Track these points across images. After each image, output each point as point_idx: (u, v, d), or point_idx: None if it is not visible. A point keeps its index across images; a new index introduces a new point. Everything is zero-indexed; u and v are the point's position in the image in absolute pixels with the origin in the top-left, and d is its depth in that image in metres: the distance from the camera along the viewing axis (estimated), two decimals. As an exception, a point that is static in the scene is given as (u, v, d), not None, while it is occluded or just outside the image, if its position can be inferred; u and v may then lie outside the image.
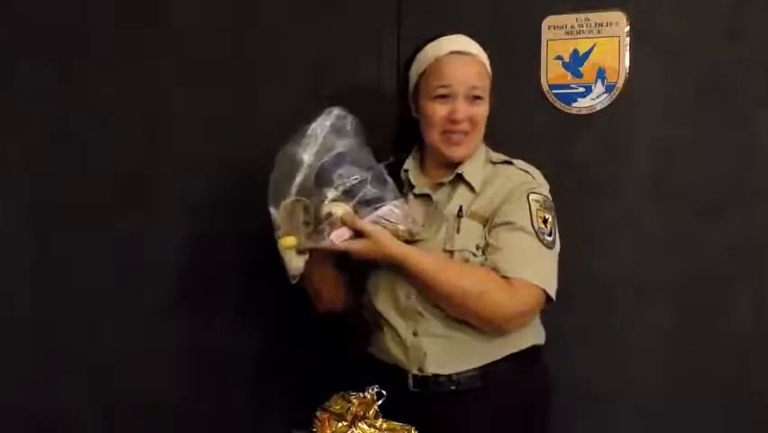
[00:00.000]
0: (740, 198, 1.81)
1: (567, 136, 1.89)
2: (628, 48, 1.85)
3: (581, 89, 1.88)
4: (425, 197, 1.62)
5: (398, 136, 1.83)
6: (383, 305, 1.58)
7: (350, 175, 1.46)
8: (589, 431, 1.86)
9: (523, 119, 1.89)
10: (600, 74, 1.87)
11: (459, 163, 1.60)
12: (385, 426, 1.34)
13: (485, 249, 1.52)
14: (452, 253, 1.52)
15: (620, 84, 1.86)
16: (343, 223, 1.45)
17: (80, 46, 2.05)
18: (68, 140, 2.05)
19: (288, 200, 1.47)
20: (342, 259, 1.57)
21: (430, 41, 1.60)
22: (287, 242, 1.46)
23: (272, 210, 1.48)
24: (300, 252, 1.47)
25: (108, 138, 2.04)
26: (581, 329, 1.85)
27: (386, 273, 1.56)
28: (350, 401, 1.34)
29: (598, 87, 1.87)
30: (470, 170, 1.59)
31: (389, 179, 1.52)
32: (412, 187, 1.64)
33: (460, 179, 1.59)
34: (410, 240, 1.53)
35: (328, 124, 1.50)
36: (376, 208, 1.47)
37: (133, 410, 2.04)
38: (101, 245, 2.05)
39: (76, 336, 2.06)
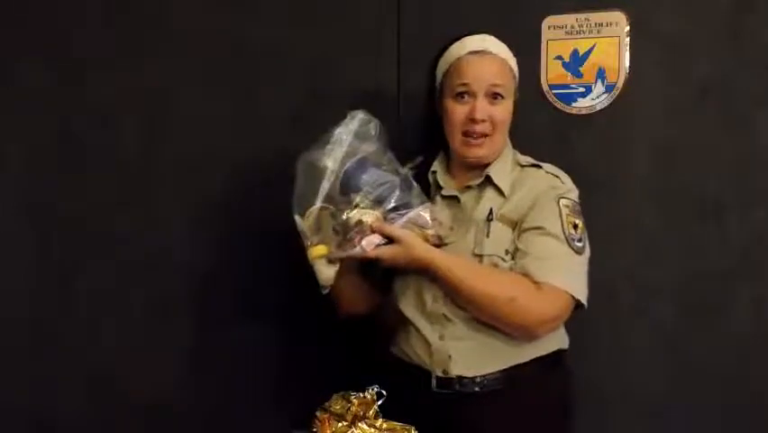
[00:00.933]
0: (740, 197, 1.81)
1: (567, 136, 1.89)
2: (628, 48, 1.85)
3: (581, 89, 1.88)
4: (453, 199, 1.61)
5: (399, 136, 1.82)
6: (409, 308, 1.57)
7: (375, 180, 1.45)
8: (590, 431, 1.85)
9: (523, 119, 1.88)
10: (600, 74, 1.87)
11: (485, 165, 1.58)
12: (385, 426, 1.34)
13: (514, 254, 1.51)
14: (481, 257, 1.51)
15: (620, 84, 1.86)
16: (373, 230, 1.44)
17: (80, 46, 2.05)
18: (68, 140, 2.05)
19: (315, 207, 1.45)
20: (367, 266, 1.56)
21: (456, 40, 1.60)
22: (318, 251, 1.45)
23: (297, 219, 1.47)
24: (331, 261, 1.46)
25: (108, 138, 2.04)
26: (583, 329, 1.85)
27: (413, 276, 1.56)
28: (350, 401, 1.34)
29: (598, 87, 1.87)
30: (499, 173, 1.58)
31: (415, 184, 1.51)
32: (440, 188, 1.63)
33: (488, 181, 1.58)
34: (438, 244, 1.52)
35: (353, 129, 1.49)
36: (403, 214, 1.46)
37: (133, 410, 2.04)
38: (101, 245, 2.05)
39: (76, 336, 2.06)
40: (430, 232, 1.49)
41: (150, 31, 2.04)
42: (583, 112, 1.88)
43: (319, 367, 1.95)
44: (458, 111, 1.55)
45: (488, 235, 1.52)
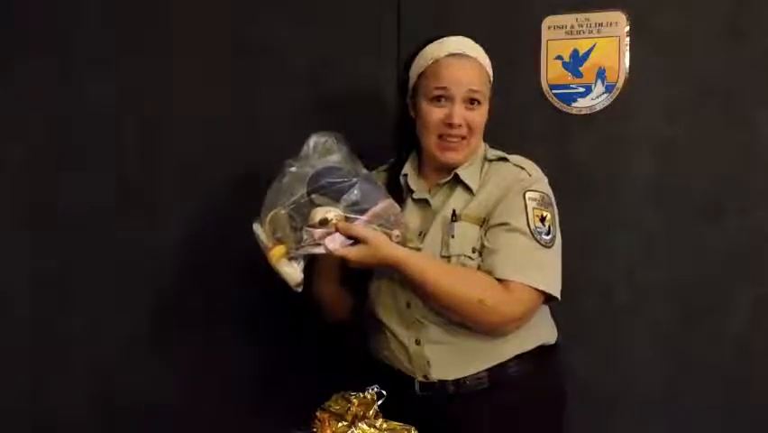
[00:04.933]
0: (740, 198, 1.81)
1: (567, 136, 1.89)
2: (628, 48, 1.85)
3: (581, 89, 1.88)
4: (424, 202, 1.60)
5: (399, 137, 1.83)
6: (384, 313, 1.57)
7: (336, 181, 1.43)
8: (590, 431, 1.86)
9: (523, 119, 1.89)
10: (600, 74, 1.87)
11: (454, 168, 1.57)
12: (385, 426, 1.34)
13: (482, 251, 1.50)
14: (448, 258, 1.50)
15: (620, 84, 1.86)
16: (338, 230, 1.41)
17: (80, 46, 2.05)
18: (68, 140, 2.05)
19: (273, 211, 1.43)
20: (347, 273, 1.56)
21: (431, 40, 1.58)
22: (278, 252, 1.42)
23: (255, 226, 1.45)
24: (293, 258, 1.42)
25: (108, 138, 2.05)
26: (581, 329, 1.85)
27: (387, 281, 1.56)
28: (350, 401, 1.34)
29: (598, 87, 1.87)
30: (468, 172, 1.57)
31: (378, 183, 1.51)
32: (411, 192, 1.61)
33: (456, 180, 1.57)
34: (403, 245, 1.50)
35: (312, 145, 1.49)
36: (366, 210, 1.44)
37: (134, 411, 2.04)
38: (101, 245, 2.05)
39: (76, 336, 2.06)
40: (395, 232, 1.46)
41: (150, 31, 2.04)
42: (583, 112, 1.88)
43: (319, 367, 1.95)
44: (434, 114, 1.53)
45: (453, 236, 1.51)
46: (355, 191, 1.43)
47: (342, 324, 1.71)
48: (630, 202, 1.86)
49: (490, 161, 1.59)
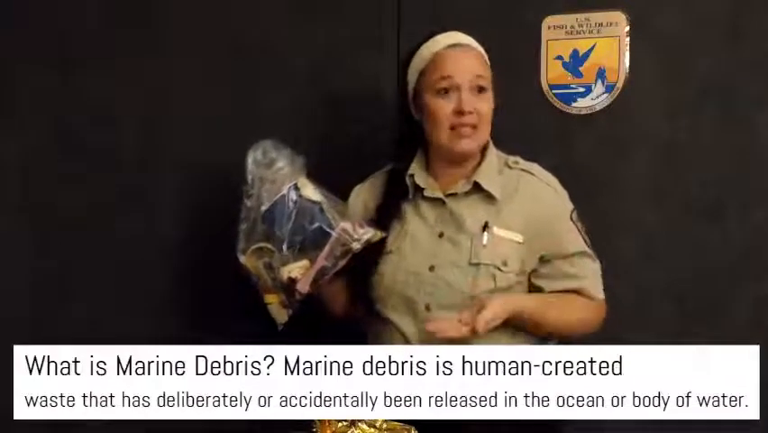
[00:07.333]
0: (740, 197, 1.81)
1: (567, 136, 1.89)
2: (628, 48, 1.85)
3: (581, 89, 1.88)
4: (438, 201, 1.58)
5: (399, 137, 1.83)
6: (396, 314, 1.56)
7: (284, 230, 1.50)
8: (589, 430, 1.85)
9: (523, 119, 1.88)
10: (600, 74, 1.87)
11: (466, 161, 1.57)
12: (385, 426, 1.34)
13: (531, 273, 1.55)
14: (477, 265, 1.50)
15: (620, 84, 1.86)
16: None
17: (80, 46, 2.05)
18: (68, 140, 2.05)
19: (250, 251, 1.53)
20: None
21: (425, 40, 1.59)
22: (270, 299, 1.58)
23: (241, 258, 1.55)
24: (285, 306, 1.56)
25: (108, 138, 2.04)
26: (581, 329, 1.85)
27: (401, 284, 1.55)
28: (350, 401, 1.34)
29: (598, 87, 1.87)
30: (487, 177, 1.56)
31: (323, 206, 1.52)
32: (420, 190, 1.59)
33: (477, 188, 1.56)
34: (377, 242, 1.52)
35: (250, 162, 1.55)
36: (321, 246, 1.50)
37: (133, 410, 2.04)
38: (101, 245, 2.05)
39: (76, 336, 2.06)
40: (355, 245, 1.49)
41: (150, 31, 2.04)
42: (583, 112, 1.88)
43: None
44: (442, 106, 1.52)
45: (484, 245, 1.50)
46: (306, 235, 1.50)
47: (341, 320, 1.71)
48: (630, 202, 1.86)
49: (511, 167, 1.59)
